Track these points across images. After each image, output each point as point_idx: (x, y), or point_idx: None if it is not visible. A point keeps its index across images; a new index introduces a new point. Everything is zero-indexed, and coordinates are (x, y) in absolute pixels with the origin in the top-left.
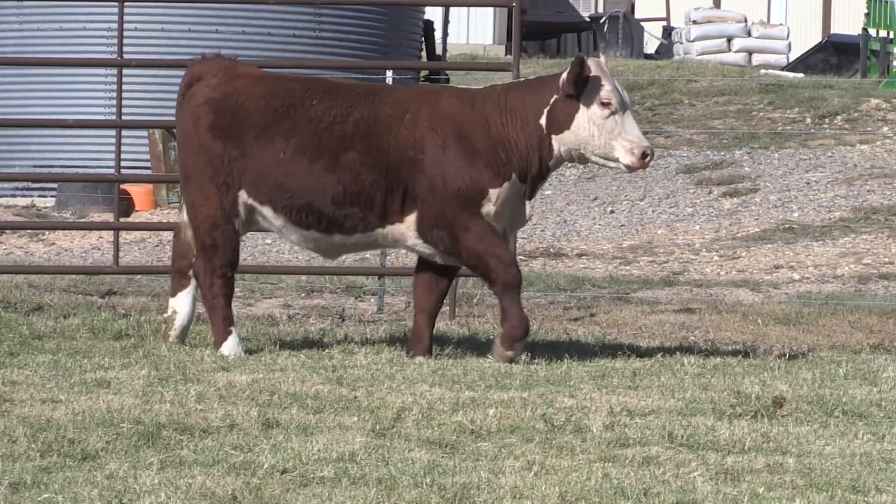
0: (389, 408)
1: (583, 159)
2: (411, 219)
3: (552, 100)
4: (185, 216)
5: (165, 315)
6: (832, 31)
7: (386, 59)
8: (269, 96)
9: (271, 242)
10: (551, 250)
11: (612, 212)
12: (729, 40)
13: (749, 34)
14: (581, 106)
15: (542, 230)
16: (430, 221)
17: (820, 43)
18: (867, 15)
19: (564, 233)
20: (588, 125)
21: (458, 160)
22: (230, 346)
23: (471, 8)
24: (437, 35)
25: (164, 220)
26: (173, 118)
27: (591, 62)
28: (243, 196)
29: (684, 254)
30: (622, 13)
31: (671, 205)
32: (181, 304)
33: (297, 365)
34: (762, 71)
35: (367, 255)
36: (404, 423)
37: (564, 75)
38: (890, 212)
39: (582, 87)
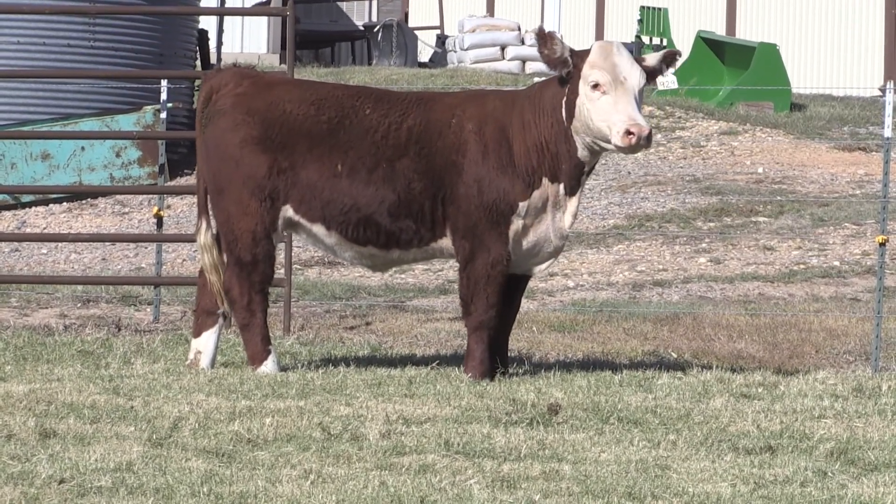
0: (166, 417)
1: (597, 147)
2: (450, 228)
3: (566, 89)
4: (202, 238)
5: (189, 358)
6: (605, 39)
7: (161, 68)
8: (319, 104)
9: (47, 252)
10: (326, 259)
11: None
12: (503, 48)
13: (523, 42)
14: (580, 90)
15: None
16: (462, 231)
17: None
18: (640, 22)
19: None
20: (585, 109)
21: (495, 169)
22: (270, 366)
23: (245, 17)
24: (212, 44)
25: None
26: None
27: (595, 45)
28: (288, 211)
29: None
30: (396, 22)
31: None
32: (206, 344)
33: (74, 375)
34: (535, 79)
35: (143, 265)
36: (181, 432)
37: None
38: (663, 219)
39: (562, 68)
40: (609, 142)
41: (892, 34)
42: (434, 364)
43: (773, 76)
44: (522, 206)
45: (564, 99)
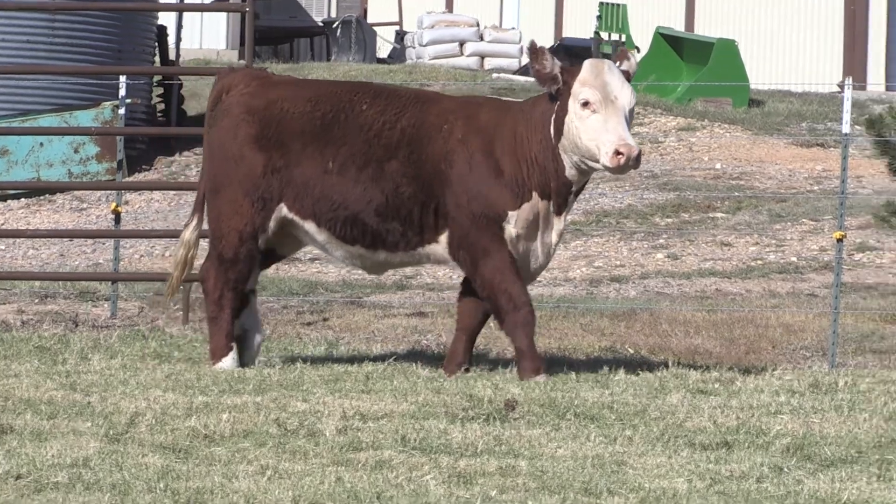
0: (123, 413)
1: (584, 166)
2: (444, 238)
3: (555, 107)
4: (188, 233)
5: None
6: (564, 35)
7: (119, 64)
8: (315, 101)
9: (5, 248)
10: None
11: None
12: (461, 44)
13: (482, 38)
14: (570, 108)
15: None
16: (458, 241)
17: (552, 46)
18: (599, 18)
19: None
20: (574, 127)
21: (482, 179)
22: (228, 363)
23: (204, 13)
24: (171, 40)
25: None
26: None
27: (586, 62)
28: (283, 210)
29: None
30: (355, 18)
31: None
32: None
33: (31, 371)
34: (494, 75)
35: (100, 261)
36: (138, 428)
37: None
38: (621, 215)
39: (552, 85)
40: (597, 161)
41: (851, 30)
42: (391, 360)
43: (731, 72)
44: (512, 215)
45: (553, 116)
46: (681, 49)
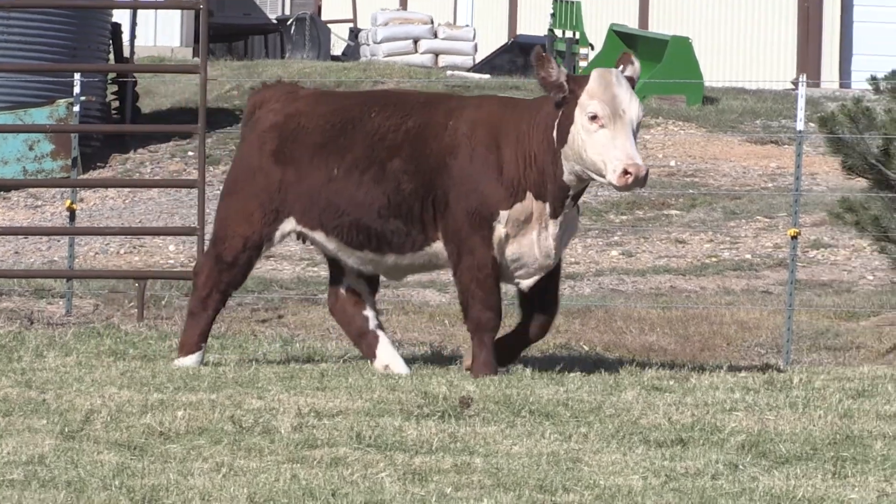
0: (78, 410)
1: (585, 176)
2: (441, 231)
3: (560, 113)
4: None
5: (382, 374)
6: (518, 33)
7: (74, 61)
8: (329, 114)
9: None
10: None
11: None
12: (416, 41)
13: (436, 35)
14: (576, 118)
15: None
16: (450, 234)
17: (506, 44)
18: (553, 16)
19: None
20: (579, 139)
21: (480, 174)
22: (193, 360)
23: (158, 10)
24: (126, 37)
25: None
26: None
27: (595, 72)
28: (291, 223)
29: None
30: (309, 15)
31: None
32: (387, 354)
33: None
34: (448, 72)
35: (55, 258)
36: (93, 425)
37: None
38: None
39: (557, 93)
40: (603, 177)
41: (805, 27)
42: (346, 357)
43: (685, 69)
44: (504, 214)
45: (557, 122)
46: (635, 46)
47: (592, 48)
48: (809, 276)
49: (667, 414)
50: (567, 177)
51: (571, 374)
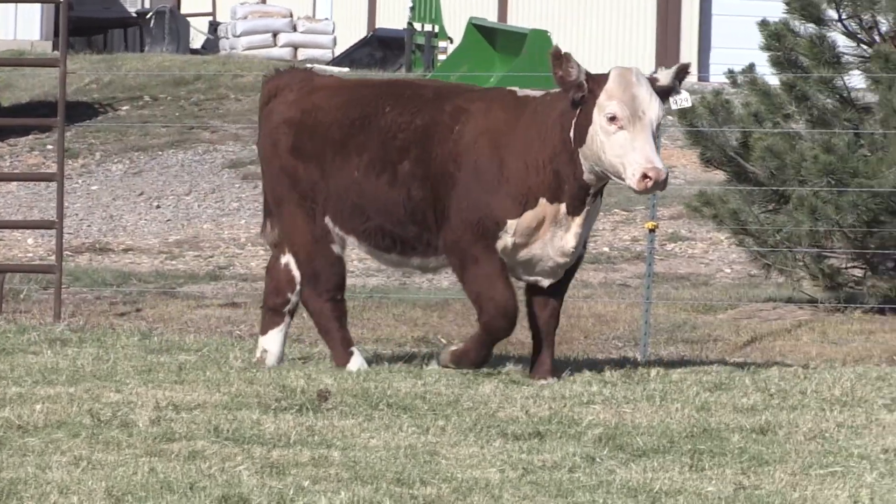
0: None
1: (605, 176)
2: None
3: (577, 112)
4: (268, 238)
5: (256, 356)
6: (378, 26)
7: None
8: (346, 107)
9: None
10: (97, 245)
11: (158, 206)
12: (275, 35)
13: (295, 29)
14: (594, 118)
15: (89, 225)
16: (448, 246)
17: (365, 37)
18: (412, 9)
19: (110, 228)
20: (599, 141)
21: (483, 185)
22: (355, 364)
23: (19, 4)
24: None
25: None
26: None
27: (614, 71)
28: (329, 223)
29: (230, 248)
30: (168, 8)
31: (217, 199)
32: (272, 342)
33: None
34: (307, 66)
35: None
36: None
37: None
38: None
39: (576, 92)
40: (622, 178)
41: (664, 20)
42: (204, 350)
43: (545, 63)
44: (511, 224)
45: (574, 121)
46: (494, 40)
47: (451, 41)
48: (667, 270)
49: (524, 407)
50: (587, 176)
51: (429, 368)
